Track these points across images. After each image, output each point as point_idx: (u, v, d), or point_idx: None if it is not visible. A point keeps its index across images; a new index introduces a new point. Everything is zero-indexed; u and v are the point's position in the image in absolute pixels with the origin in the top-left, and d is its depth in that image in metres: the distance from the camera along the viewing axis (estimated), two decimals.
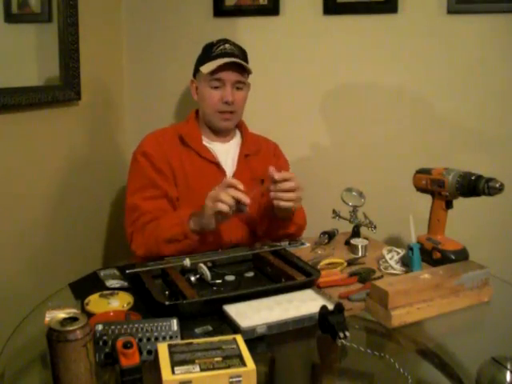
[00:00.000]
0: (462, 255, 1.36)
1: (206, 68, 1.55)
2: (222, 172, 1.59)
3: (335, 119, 1.97)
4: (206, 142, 1.63)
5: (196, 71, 1.64)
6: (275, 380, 1.01)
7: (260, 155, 1.67)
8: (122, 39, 2.09)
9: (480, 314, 1.22)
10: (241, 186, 1.29)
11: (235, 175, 1.59)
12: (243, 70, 1.57)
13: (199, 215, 1.35)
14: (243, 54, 1.62)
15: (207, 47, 1.62)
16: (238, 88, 1.58)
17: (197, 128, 1.64)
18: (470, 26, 1.76)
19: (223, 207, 1.27)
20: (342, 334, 0.99)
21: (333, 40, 1.90)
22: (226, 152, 1.64)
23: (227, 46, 1.58)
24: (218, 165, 1.59)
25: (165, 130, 1.66)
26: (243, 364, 0.82)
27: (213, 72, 1.54)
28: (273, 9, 1.92)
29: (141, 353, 0.91)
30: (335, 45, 1.90)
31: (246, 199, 1.28)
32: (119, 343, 0.85)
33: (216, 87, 1.56)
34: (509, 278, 1.36)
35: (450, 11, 1.76)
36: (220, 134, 1.64)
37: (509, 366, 0.85)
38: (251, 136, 1.71)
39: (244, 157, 1.64)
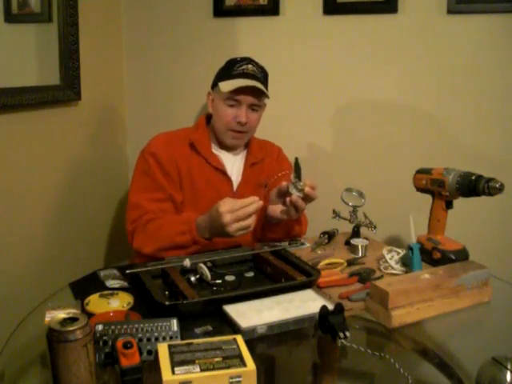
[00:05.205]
0: (461, 255, 1.36)
1: (225, 86, 1.54)
2: (228, 180, 1.61)
3: (335, 119, 1.97)
4: (214, 149, 1.64)
5: (214, 84, 1.62)
6: (275, 380, 1.02)
7: (265, 161, 1.69)
8: (122, 39, 2.09)
9: (480, 314, 1.22)
10: (250, 209, 1.30)
11: (240, 184, 1.62)
12: (261, 93, 1.56)
13: (212, 228, 1.35)
14: (264, 76, 1.61)
15: (230, 63, 1.60)
16: (253, 109, 1.58)
17: (207, 136, 1.64)
18: (470, 26, 1.76)
19: (250, 230, 1.32)
20: (342, 334, 0.99)
21: (333, 40, 1.90)
22: (233, 161, 1.65)
23: (250, 66, 1.57)
24: (224, 173, 1.61)
25: (175, 134, 1.65)
26: (243, 364, 0.82)
27: (230, 92, 1.53)
28: (273, 9, 1.91)
29: (141, 353, 0.91)
30: (335, 45, 1.90)
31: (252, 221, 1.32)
32: (119, 343, 0.86)
33: (231, 106, 1.56)
34: (509, 278, 1.36)
35: (450, 11, 1.75)
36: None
37: (509, 366, 0.85)
38: (257, 143, 1.71)
39: (250, 165, 1.65)
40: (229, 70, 1.58)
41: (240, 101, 1.55)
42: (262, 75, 1.60)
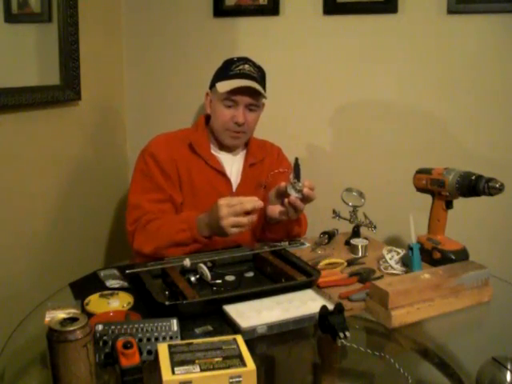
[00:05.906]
0: (461, 255, 1.36)
1: (222, 87, 1.54)
2: (228, 181, 1.61)
3: (335, 119, 1.97)
4: (213, 150, 1.64)
5: (212, 85, 1.62)
6: (275, 380, 1.02)
7: (265, 161, 1.69)
8: (122, 39, 2.09)
9: (480, 314, 1.22)
10: (248, 205, 1.30)
11: (240, 185, 1.62)
12: (258, 93, 1.56)
13: (211, 225, 1.36)
14: (261, 76, 1.61)
15: (227, 63, 1.60)
16: (250, 109, 1.58)
17: (206, 137, 1.64)
18: (470, 26, 1.76)
19: (244, 229, 1.33)
20: (342, 334, 0.99)
21: (333, 40, 1.90)
22: (232, 161, 1.65)
23: (246, 66, 1.56)
24: (223, 174, 1.61)
25: (175, 134, 1.65)
26: (243, 364, 0.82)
27: (227, 92, 1.53)
28: (273, 9, 1.91)
29: (141, 353, 0.91)
30: (335, 45, 1.90)
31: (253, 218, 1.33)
32: (119, 343, 0.86)
33: (229, 106, 1.56)
34: (509, 278, 1.36)
35: (450, 11, 1.75)
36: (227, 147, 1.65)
37: (509, 366, 0.85)
38: (256, 144, 1.71)
39: (249, 166, 1.65)
40: (226, 70, 1.58)
41: (237, 101, 1.55)
42: (259, 75, 1.59)
